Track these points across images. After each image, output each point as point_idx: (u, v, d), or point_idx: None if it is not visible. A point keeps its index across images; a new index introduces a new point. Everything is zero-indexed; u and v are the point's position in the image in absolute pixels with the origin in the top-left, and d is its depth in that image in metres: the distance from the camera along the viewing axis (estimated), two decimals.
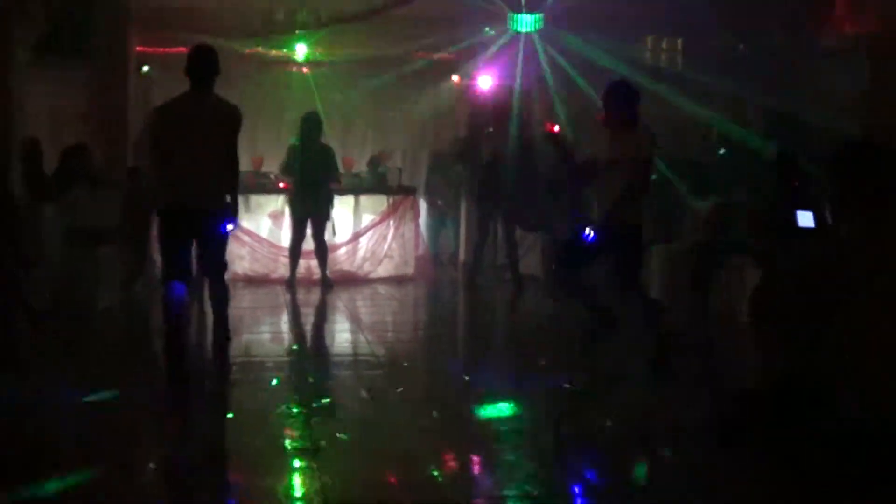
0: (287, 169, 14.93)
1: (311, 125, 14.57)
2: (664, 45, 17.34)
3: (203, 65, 9.75)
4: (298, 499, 5.74)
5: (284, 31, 16.38)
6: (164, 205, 9.28)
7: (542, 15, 15.55)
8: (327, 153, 14.79)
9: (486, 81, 16.40)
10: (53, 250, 11.90)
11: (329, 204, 14.80)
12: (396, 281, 15.37)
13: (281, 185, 15.26)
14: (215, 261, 9.55)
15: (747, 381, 8.13)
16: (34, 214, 11.57)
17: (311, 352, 11.05)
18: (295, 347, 11.07)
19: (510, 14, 15.64)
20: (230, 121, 9.68)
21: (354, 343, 11.54)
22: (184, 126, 9.39)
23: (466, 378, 9.21)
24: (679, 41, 17.21)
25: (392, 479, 6.13)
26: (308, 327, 12.74)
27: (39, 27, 14.07)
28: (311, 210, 14.53)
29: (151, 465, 6.52)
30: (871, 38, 11.14)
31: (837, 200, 5.42)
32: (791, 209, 10.86)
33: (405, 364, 10.05)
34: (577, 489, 6.17)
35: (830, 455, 4.93)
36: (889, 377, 4.85)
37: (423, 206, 16.79)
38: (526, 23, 15.68)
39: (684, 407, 7.86)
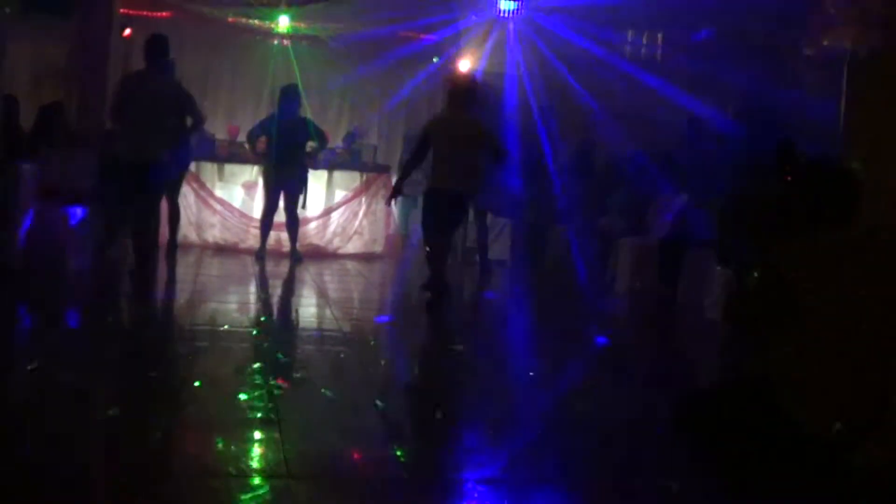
0: (251, 136, 15.01)
1: (289, 97, 14.58)
2: (644, 39, 17.39)
3: (155, 50, 11.98)
4: (253, 467, 5.78)
5: (271, 3, 16.34)
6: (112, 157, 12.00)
7: (525, 1, 15.63)
8: (305, 124, 14.91)
9: (466, 65, 16.42)
10: (28, 208, 11.89)
11: (303, 176, 14.78)
12: (365, 258, 15.44)
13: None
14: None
15: (705, 378, 8.23)
16: (9, 172, 11.54)
17: (274, 324, 10.99)
18: (261, 319, 10.99)
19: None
20: (175, 95, 12.08)
21: (319, 317, 11.58)
22: (136, 96, 11.70)
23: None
24: (659, 35, 17.26)
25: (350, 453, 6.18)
26: (274, 299, 12.78)
27: None
28: (284, 182, 14.54)
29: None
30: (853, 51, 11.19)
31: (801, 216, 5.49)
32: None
33: (370, 342, 10.11)
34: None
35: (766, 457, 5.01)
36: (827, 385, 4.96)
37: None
38: (509, 9, 15.74)
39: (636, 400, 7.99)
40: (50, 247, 12.04)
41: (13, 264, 11.04)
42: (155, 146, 11.64)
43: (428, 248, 11.59)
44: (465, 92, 11.90)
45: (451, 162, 11.38)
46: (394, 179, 15.56)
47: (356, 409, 7.18)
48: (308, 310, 12.19)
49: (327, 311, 11.80)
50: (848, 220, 5.20)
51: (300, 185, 14.75)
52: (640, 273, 13.11)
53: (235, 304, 11.95)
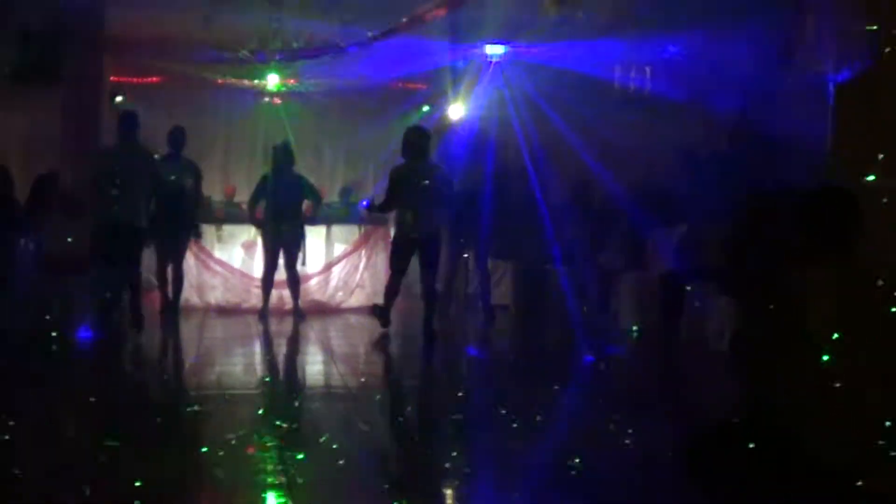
0: (251, 203, 15.00)
1: (282, 155, 14.60)
2: (632, 73, 17.41)
3: (127, 124, 13.36)
4: None
5: (257, 63, 16.38)
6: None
7: (508, 46, 15.66)
8: (300, 182, 14.85)
9: (457, 112, 16.45)
10: (26, 280, 11.90)
11: (301, 234, 14.76)
12: (368, 311, 15.34)
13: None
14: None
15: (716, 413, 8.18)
16: (6, 243, 11.56)
17: (281, 384, 11.00)
18: (266, 379, 11.03)
19: (480, 44, 15.71)
20: (150, 164, 13.52)
21: (325, 375, 11.56)
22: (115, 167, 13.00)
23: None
24: (647, 69, 17.28)
25: None
26: (280, 358, 12.73)
27: (14, 56, 14.12)
28: (282, 240, 14.56)
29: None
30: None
31: (804, 245, 5.50)
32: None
33: (377, 397, 10.08)
34: None
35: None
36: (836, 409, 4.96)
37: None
38: (495, 53, 15.78)
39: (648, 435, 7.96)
40: (52, 315, 12.01)
41: (15, 333, 11.00)
42: (131, 215, 12.91)
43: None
44: (420, 140, 13.19)
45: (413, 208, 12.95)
46: (391, 231, 15.57)
47: (363, 469, 7.20)
48: (314, 367, 12.16)
49: (333, 368, 11.79)
50: (850, 245, 5.21)
51: (298, 243, 14.73)
52: (642, 308, 13.08)
53: (241, 366, 11.96)
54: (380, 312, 13.77)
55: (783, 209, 7.51)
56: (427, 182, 12.96)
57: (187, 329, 14.11)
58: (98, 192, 12.86)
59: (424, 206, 12.98)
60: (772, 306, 5.30)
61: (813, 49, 11.93)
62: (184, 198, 14.14)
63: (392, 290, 13.66)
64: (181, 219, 14.16)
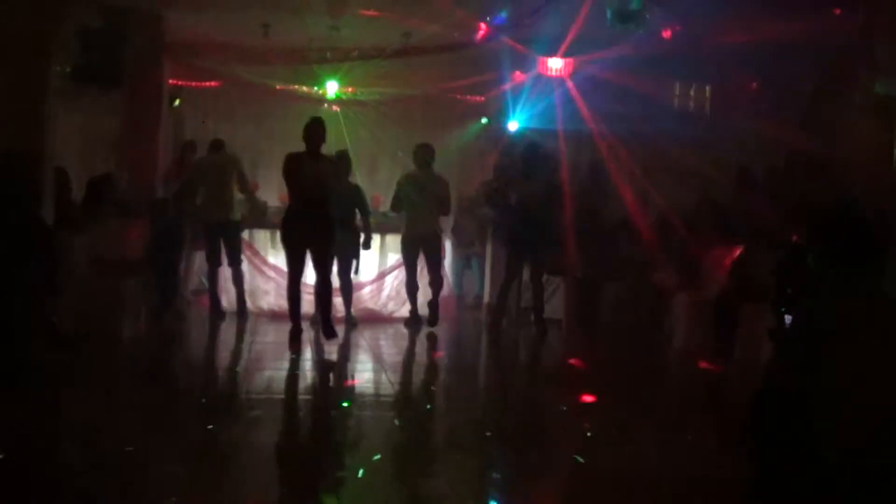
0: None
1: (340, 163, 14.58)
2: (692, 92, 17.34)
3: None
4: None
5: (316, 66, 16.42)
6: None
7: (571, 59, 15.56)
8: (357, 192, 14.79)
9: (514, 125, 16.41)
10: (80, 280, 11.91)
11: (356, 242, 14.73)
12: (420, 321, 15.30)
13: None
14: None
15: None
16: (62, 244, 11.57)
17: (331, 391, 10.98)
18: (316, 386, 11.12)
19: (540, 58, 15.64)
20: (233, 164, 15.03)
21: (375, 383, 11.51)
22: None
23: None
24: (707, 88, 17.22)
25: None
26: (331, 366, 12.64)
27: (75, 57, 14.18)
28: (337, 248, 14.53)
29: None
30: None
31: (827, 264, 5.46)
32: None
33: (427, 407, 10.04)
34: None
35: None
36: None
37: (448, 246, 16.71)
38: (555, 67, 15.69)
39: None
40: (104, 318, 12.04)
41: (68, 335, 11.00)
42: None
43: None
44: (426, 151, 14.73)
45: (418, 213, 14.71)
46: (446, 241, 15.59)
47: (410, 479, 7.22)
48: (364, 375, 12.10)
49: (383, 377, 11.74)
50: (868, 271, 5.17)
51: (352, 251, 14.71)
52: (696, 330, 12.92)
53: (292, 372, 11.87)
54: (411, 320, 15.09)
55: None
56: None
57: (240, 334, 14.26)
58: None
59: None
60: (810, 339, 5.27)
61: (875, 71, 11.83)
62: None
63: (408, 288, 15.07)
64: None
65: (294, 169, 12.97)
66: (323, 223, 12.97)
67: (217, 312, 14.84)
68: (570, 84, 15.89)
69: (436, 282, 15.00)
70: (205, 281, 15.40)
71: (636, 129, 14.97)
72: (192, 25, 15.70)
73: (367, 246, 14.71)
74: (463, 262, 17.50)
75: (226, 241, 14.80)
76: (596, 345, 14.14)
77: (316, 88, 17.39)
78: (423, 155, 14.96)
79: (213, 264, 14.92)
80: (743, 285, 12.05)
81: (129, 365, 11.32)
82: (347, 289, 14.91)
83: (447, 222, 16.64)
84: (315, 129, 13.16)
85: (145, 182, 15.45)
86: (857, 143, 13.01)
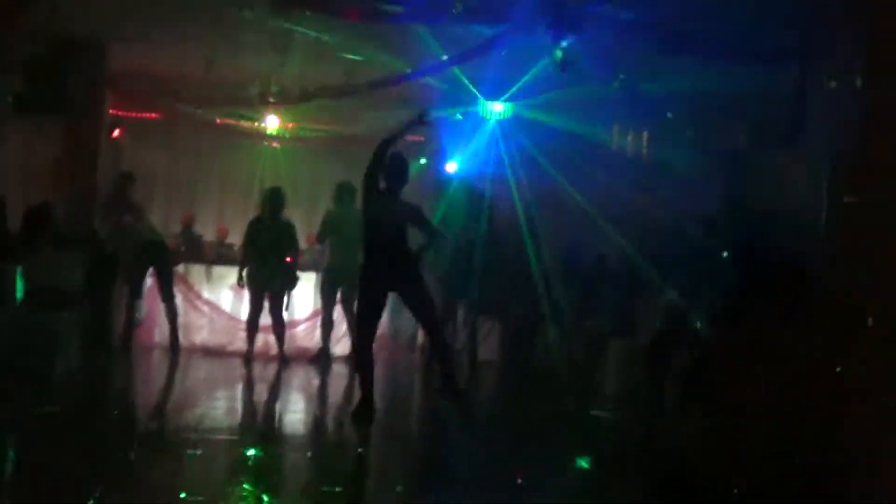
0: (245, 246, 14.98)
1: (272, 200, 14.67)
2: (630, 137, 17.40)
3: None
4: None
5: (257, 104, 16.40)
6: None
7: (512, 103, 15.61)
8: (288, 229, 14.88)
9: (452, 167, 16.44)
10: (15, 313, 11.81)
11: (288, 280, 14.80)
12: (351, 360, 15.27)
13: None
14: None
15: None
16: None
17: (258, 429, 10.90)
18: (244, 424, 11.04)
19: (481, 100, 15.69)
20: None
21: (305, 423, 11.50)
22: None
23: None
24: (645, 133, 17.26)
25: None
26: (259, 405, 12.61)
27: (17, 84, 14.11)
28: (268, 285, 14.57)
29: None
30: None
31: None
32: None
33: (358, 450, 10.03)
34: None
35: None
36: None
37: None
38: (494, 110, 15.74)
39: None
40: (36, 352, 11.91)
41: None
42: None
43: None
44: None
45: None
46: None
47: None
48: (294, 416, 12.06)
49: (313, 416, 11.75)
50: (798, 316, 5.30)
51: (283, 288, 14.75)
52: (629, 375, 12.96)
53: (221, 410, 11.81)
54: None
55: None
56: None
57: (167, 370, 14.26)
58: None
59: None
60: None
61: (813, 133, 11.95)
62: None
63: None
64: None
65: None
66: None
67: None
68: (506, 125, 15.94)
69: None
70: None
71: (575, 172, 15.01)
72: (135, 57, 15.63)
73: (292, 285, 14.76)
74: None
75: (159, 274, 14.85)
76: (528, 388, 14.17)
77: (257, 123, 17.33)
78: (341, 193, 15.20)
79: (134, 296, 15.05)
80: (675, 332, 12.12)
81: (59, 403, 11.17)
82: (280, 326, 14.95)
83: None
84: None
85: (83, 212, 15.36)
86: (791, 196, 13.10)
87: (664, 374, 12.02)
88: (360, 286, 10.77)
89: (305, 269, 15.71)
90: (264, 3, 12.45)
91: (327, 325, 15.20)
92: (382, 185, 10.70)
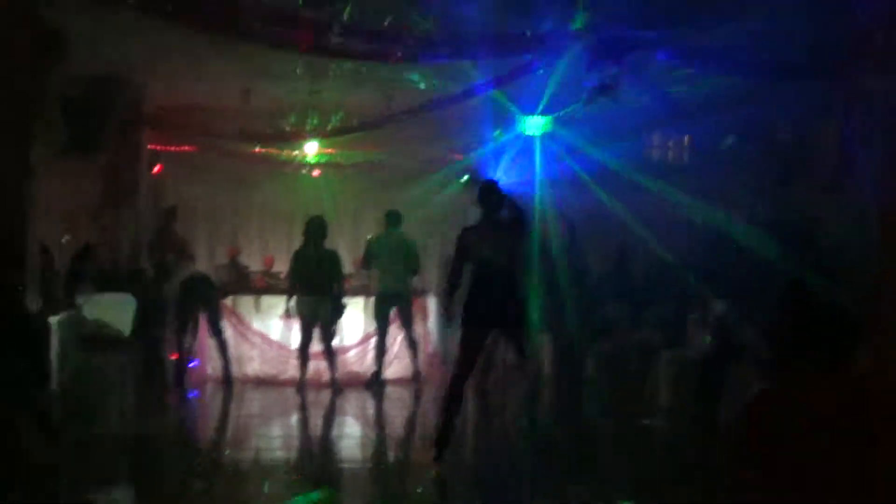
0: (292, 277, 14.99)
1: (314, 230, 14.70)
2: (670, 143, 17.29)
3: None
4: None
5: (294, 136, 16.40)
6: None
7: (550, 117, 15.50)
8: (332, 258, 14.86)
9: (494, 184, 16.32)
10: (64, 360, 11.79)
11: (336, 308, 14.78)
12: (406, 382, 15.32)
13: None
14: None
15: None
16: (41, 326, 11.42)
17: (317, 457, 11.01)
18: (302, 452, 11.13)
19: (520, 116, 15.59)
20: None
21: (362, 448, 11.48)
22: None
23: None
24: (686, 138, 17.16)
25: None
26: (314, 432, 12.65)
27: (57, 132, 14.10)
28: (317, 314, 14.55)
29: None
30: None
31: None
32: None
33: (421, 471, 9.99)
34: None
35: None
36: None
37: (433, 305, 16.51)
38: (535, 125, 15.63)
39: None
40: (88, 396, 11.91)
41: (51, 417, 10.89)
42: None
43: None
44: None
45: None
46: (429, 301, 15.60)
47: None
48: (350, 441, 12.04)
49: (369, 441, 11.81)
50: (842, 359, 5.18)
51: (332, 317, 14.77)
52: (680, 389, 12.75)
53: (278, 440, 11.96)
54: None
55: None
56: None
57: (223, 401, 14.35)
58: None
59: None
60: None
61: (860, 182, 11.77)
62: None
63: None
64: None
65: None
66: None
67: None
68: (549, 141, 15.82)
69: (411, 343, 15.42)
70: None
71: (618, 182, 14.92)
72: (172, 92, 15.69)
73: (339, 313, 14.77)
74: (446, 321, 17.30)
75: (205, 310, 14.91)
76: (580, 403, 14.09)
77: (297, 151, 17.29)
78: (388, 219, 15.46)
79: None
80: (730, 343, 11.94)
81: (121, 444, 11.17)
82: (331, 354, 14.90)
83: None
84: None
85: (127, 251, 15.40)
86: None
87: (717, 389, 11.82)
88: (463, 322, 10.06)
89: (353, 294, 15.71)
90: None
91: (380, 350, 15.18)
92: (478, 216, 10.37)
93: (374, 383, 15.07)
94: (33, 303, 11.02)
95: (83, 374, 11.91)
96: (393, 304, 15.21)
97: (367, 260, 15.55)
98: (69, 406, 11.37)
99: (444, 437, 9.91)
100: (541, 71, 12.95)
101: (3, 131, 11.17)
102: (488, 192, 10.42)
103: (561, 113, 14.76)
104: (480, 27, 11.29)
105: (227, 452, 11.14)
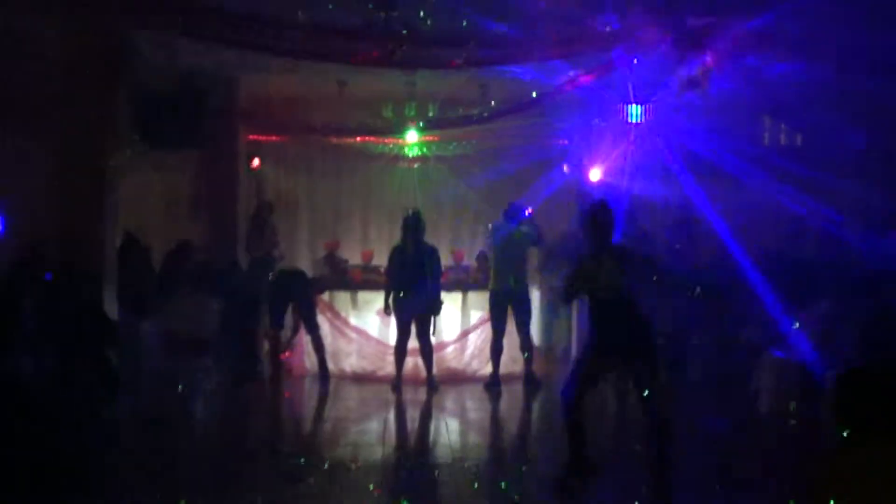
0: (390, 273, 14.85)
1: (412, 226, 14.53)
2: (783, 128, 16.79)
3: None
4: None
5: (391, 128, 16.19)
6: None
7: (651, 105, 15.10)
8: (430, 254, 14.69)
9: (595, 174, 15.97)
10: (151, 360, 11.74)
11: (434, 304, 14.59)
12: (505, 379, 14.90)
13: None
14: None
15: None
16: (131, 329, 11.36)
17: (409, 456, 10.95)
18: (397, 452, 11.06)
19: (621, 105, 15.22)
20: None
21: (461, 448, 11.30)
22: None
23: None
24: (798, 136, 16.65)
25: None
26: (409, 430, 12.70)
27: (149, 121, 14.04)
28: (414, 310, 14.38)
29: None
30: None
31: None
32: None
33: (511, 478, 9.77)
34: None
35: None
36: None
37: (535, 296, 16.14)
38: (635, 113, 15.24)
39: None
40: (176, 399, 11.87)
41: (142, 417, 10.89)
42: None
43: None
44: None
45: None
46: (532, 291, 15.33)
47: None
48: (444, 439, 11.84)
49: (467, 440, 11.86)
50: None
51: (430, 313, 14.55)
52: (783, 393, 12.30)
53: (373, 436, 11.86)
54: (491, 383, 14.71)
55: None
56: None
57: (317, 399, 14.36)
58: None
59: None
60: None
61: None
62: None
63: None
64: None
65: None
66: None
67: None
68: (651, 131, 15.42)
69: (526, 343, 15.01)
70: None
71: (719, 177, 14.47)
72: (269, 86, 15.60)
73: (436, 311, 14.60)
74: (551, 311, 16.97)
75: (299, 306, 14.90)
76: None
77: (399, 137, 16.96)
78: (511, 213, 15.16)
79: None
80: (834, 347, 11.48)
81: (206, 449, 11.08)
82: (428, 350, 14.73)
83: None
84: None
85: (226, 245, 15.33)
86: None
87: (818, 394, 11.37)
88: (585, 353, 9.48)
89: (450, 289, 15.53)
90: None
91: (497, 351, 14.84)
92: (589, 245, 9.26)
93: (495, 385, 14.72)
94: (121, 304, 11.03)
95: (169, 378, 11.87)
96: (509, 302, 14.89)
97: (489, 251, 15.62)
98: (152, 412, 11.37)
99: (576, 464, 9.31)
100: (635, 62, 12.61)
101: (87, 126, 11.20)
102: (602, 216, 9.25)
103: (653, 102, 14.35)
104: (565, 25, 11.07)
105: (323, 446, 11.36)
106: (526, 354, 14.97)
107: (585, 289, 9.28)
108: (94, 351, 9.77)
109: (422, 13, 10.93)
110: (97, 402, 9.74)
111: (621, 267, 9.06)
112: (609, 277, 9.02)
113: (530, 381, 14.83)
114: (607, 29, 11.50)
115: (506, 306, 14.90)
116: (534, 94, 14.37)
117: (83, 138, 11.32)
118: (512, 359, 15.27)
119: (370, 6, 10.87)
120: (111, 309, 11.04)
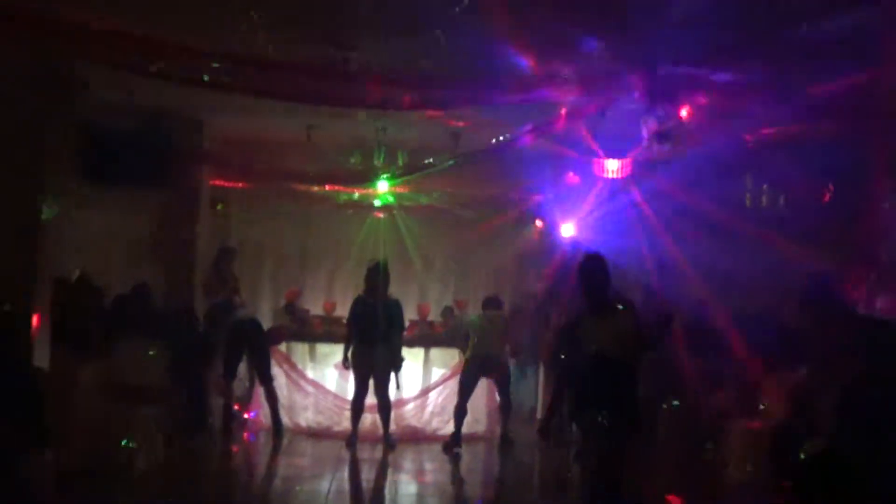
0: (351, 324, 14.42)
1: (376, 277, 14.16)
2: (765, 188, 16.41)
3: None
4: None
5: (360, 176, 15.76)
6: None
7: (627, 161, 14.72)
8: (394, 307, 14.30)
9: (569, 230, 15.56)
10: (90, 409, 11.19)
11: (393, 359, 14.16)
12: (466, 439, 14.43)
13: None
14: None
15: None
16: (68, 377, 10.81)
17: None
18: None
19: (595, 160, 14.85)
20: None
21: None
22: None
23: None
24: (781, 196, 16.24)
25: None
26: (364, 490, 12.30)
27: (111, 159, 13.63)
28: (373, 365, 13.94)
29: None
30: None
31: None
32: None
33: None
34: None
35: None
36: None
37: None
38: (609, 168, 14.85)
39: None
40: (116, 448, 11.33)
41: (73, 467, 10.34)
42: None
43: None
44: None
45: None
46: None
47: None
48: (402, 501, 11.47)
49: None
50: None
51: (389, 368, 14.10)
52: (752, 461, 11.84)
53: (322, 497, 11.28)
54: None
55: None
56: None
57: (270, 453, 13.97)
58: None
59: None
60: None
61: None
62: None
63: None
64: None
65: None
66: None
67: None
68: (625, 185, 15.04)
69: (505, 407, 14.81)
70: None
71: (696, 235, 14.10)
72: (234, 129, 15.23)
73: (397, 367, 14.23)
74: (517, 373, 16.56)
75: (252, 356, 14.55)
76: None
77: (368, 188, 16.54)
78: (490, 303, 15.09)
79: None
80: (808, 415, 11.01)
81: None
82: (385, 407, 14.29)
83: None
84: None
85: (182, 290, 14.87)
86: None
87: (789, 466, 10.90)
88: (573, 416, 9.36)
89: (413, 344, 15.15)
90: None
91: (461, 413, 14.39)
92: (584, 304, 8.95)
93: (455, 446, 14.17)
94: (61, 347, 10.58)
95: (109, 427, 11.33)
96: (488, 371, 14.63)
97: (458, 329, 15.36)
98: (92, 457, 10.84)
99: None
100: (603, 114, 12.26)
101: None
102: (594, 272, 9.00)
103: (626, 157, 13.98)
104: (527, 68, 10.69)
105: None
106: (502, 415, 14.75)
107: (585, 346, 8.83)
108: (11, 401, 9.19)
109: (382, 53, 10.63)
110: (13, 455, 9.16)
111: (631, 324, 8.77)
112: (615, 334, 8.68)
113: (505, 441, 14.51)
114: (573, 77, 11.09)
115: (480, 374, 14.55)
116: (501, 141, 14.00)
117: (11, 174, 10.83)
118: (475, 419, 14.89)
119: (331, 49, 10.60)
120: (42, 354, 10.53)
